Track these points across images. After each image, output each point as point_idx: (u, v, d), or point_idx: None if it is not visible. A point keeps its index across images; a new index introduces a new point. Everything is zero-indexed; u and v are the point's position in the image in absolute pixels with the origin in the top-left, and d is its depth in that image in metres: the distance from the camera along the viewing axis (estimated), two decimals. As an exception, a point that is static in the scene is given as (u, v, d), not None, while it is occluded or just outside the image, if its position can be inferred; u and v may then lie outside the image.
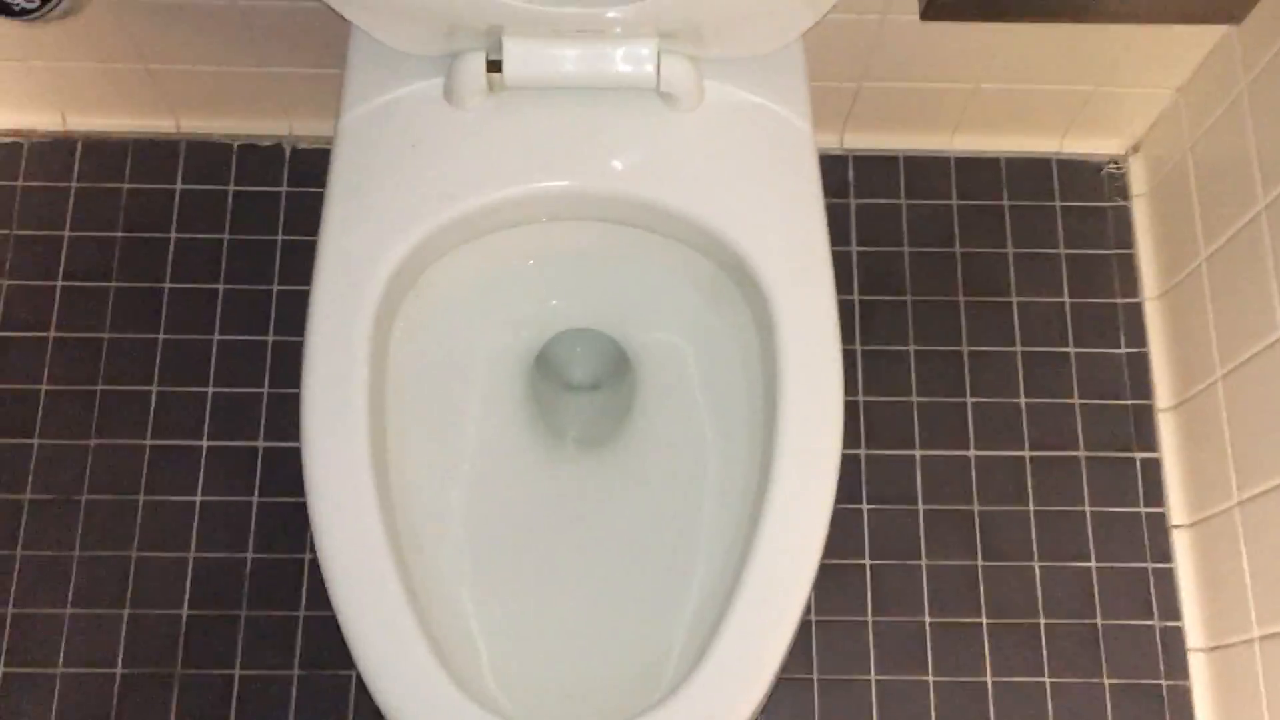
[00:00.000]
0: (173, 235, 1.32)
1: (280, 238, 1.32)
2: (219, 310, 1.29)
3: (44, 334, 1.28)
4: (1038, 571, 1.23)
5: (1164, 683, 1.20)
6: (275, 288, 1.30)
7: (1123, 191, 1.36)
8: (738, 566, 0.85)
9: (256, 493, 1.24)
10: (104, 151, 1.34)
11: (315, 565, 1.21)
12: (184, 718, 1.17)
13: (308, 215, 1.32)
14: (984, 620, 1.21)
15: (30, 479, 1.23)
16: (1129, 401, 1.28)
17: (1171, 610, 1.22)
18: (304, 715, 1.17)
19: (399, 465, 0.93)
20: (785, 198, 0.91)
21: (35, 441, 1.25)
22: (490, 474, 1.00)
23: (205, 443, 1.25)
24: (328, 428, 0.85)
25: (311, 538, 1.20)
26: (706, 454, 0.98)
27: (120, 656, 1.18)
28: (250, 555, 1.22)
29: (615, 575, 0.98)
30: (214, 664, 1.18)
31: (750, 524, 0.85)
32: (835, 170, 1.35)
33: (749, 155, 0.93)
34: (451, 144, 0.91)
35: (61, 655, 1.18)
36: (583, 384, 1.12)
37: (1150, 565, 1.23)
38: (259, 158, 1.35)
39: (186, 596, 1.20)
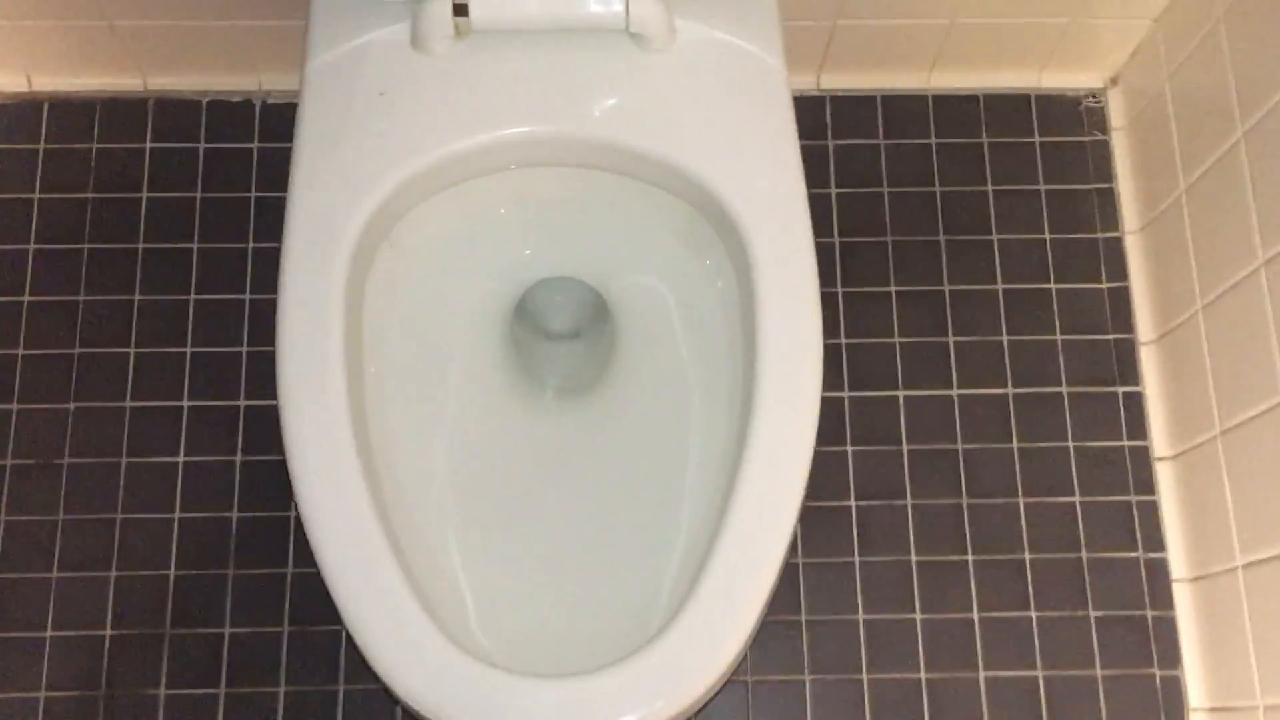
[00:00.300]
0: (144, 195, 1.30)
1: (254, 195, 1.31)
2: (194, 270, 1.28)
3: (19, 298, 1.27)
4: (1022, 508, 1.23)
5: (1149, 614, 1.21)
6: (250, 245, 1.29)
7: (1102, 125, 1.35)
8: (721, 508, 0.85)
9: (239, 452, 1.23)
10: (71, 111, 1.32)
11: (300, 522, 1.21)
12: (175, 677, 1.17)
13: (281, 171, 1.30)
14: (970, 557, 1.22)
15: (10, 444, 1.23)
16: (1111, 336, 1.28)
17: (1155, 542, 1.23)
18: (295, 671, 1.18)
19: (379, 419, 0.92)
20: (760, 138, 0.90)
21: (14, 407, 1.24)
22: (472, 425, 1.00)
23: (186, 403, 1.24)
24: (304, 385, 0.84)
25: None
26: (689, 397, 0.98)
27: (109, 618, 1.18)
28: (235, 515, 1.21)
29: (601, 522, 0.98)
30: (203, 623, 1.18)
31: (733, 466, 0.85)
32: (812, 111, 1.34)
33: (722, 95, 0.92)
34: (420, 91, 0.90)
35: (50, 619, 1.18)
36: (562, 332, 1.11)
37: (1134, 498, 1.24)
38: (229, 113, 1.33)
39: (173, 557, 1.20)
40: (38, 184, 1.30)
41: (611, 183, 0.95)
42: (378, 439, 0.89)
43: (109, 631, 1.18)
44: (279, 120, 1.32)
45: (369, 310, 0.92)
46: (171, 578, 1.20)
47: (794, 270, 0.87)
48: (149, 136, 1.32)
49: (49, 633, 1.18)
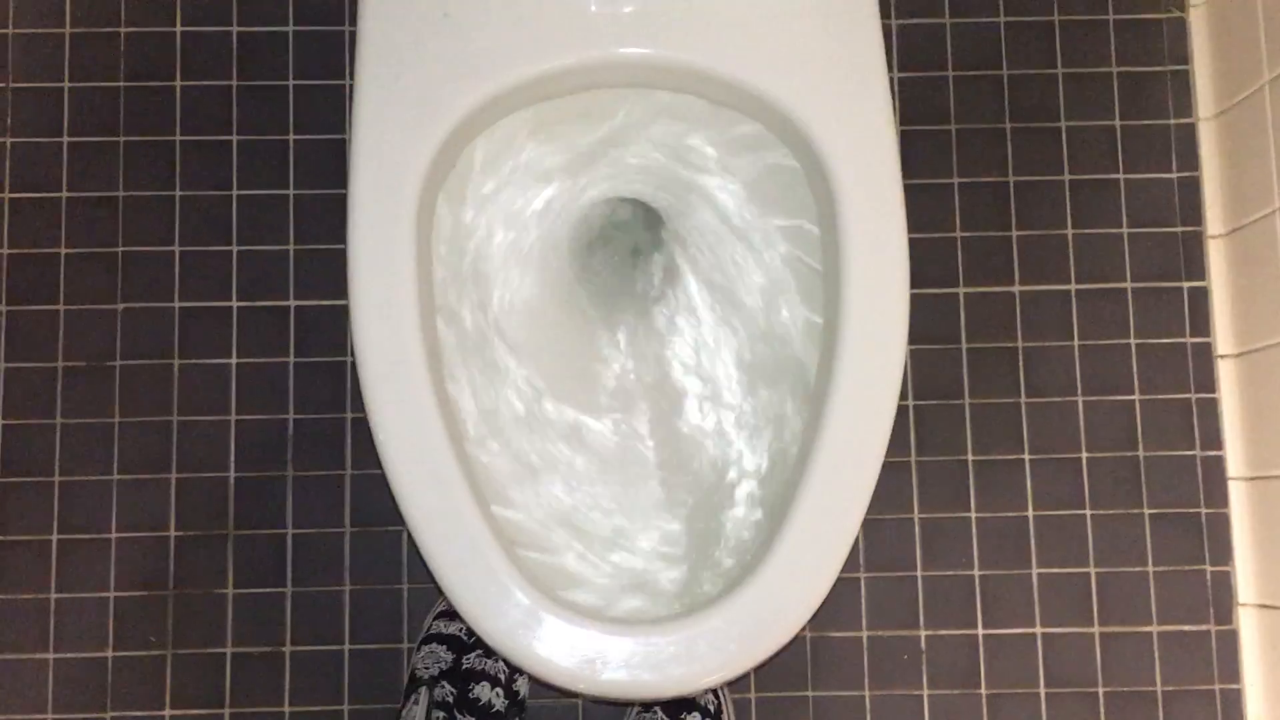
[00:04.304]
0: (178, 83, 1.25)
1: (291, 83, 1.25)
2: (234, 163, 1.24)
3: (56, 194, 1.23)
4: (1081, 405, 1.23)
5: (1203, 511, 1.21)
6: (291, 137, 1.24)
7: (1179, 2, 1.28)
8: (806, 443, 0.84)
9: (291, 353, 1.22)
10: (95, -8, 1.25)
11: (357, 424, 1.21)
12: (242, 576, 1.19)
13: (318, 57, 1.25)
14: (1026, 456, 1.22)
15: (60, 346, 1.21)
16: (1178, 229, 1.25)
17: (1213, 440, 1.22)
18: (359, 569, 1.19)
19: (450, 347, 0.91)
20: (846, 63, 0.85)
21: (60, 308, 1.22)
22: (536, 340, 0.98)
23: (235, 303, 1.22)
24: (382, 352, 0.82)
25: (354, 398, 1.20)
26: (761, 327, 0.96)
27: (173, 520, 1.20)
28: (291, 416, 1.21)
29: (674, 453, 0.97)
30: (266, 524, 1.20)
31: (817, 404, 0.84)
32: (875, -13, 1.27)
33: (807, 14, 0.86)
34: (486, 12, 0.85)
35: (114, 521, 1.19)
36: (620, 261, 1.08)
37: (1194, 395, 1.23)
38: (261, -7, 1.26)
39: (232, 459, 1.20)
40: (66, 71, 1.24)
41: (681, 103, 0.91)
42: (453, 388, 0.87)
43: (173, 533, 1.20)
44: (314, 2, 1.26)
45: (436, 240, 0.90)
46: (231, 480, 1.20)
47: (879, 207, 0.84)
48: (179, 19, 1.25)
49: (114, 534, 1.19)
